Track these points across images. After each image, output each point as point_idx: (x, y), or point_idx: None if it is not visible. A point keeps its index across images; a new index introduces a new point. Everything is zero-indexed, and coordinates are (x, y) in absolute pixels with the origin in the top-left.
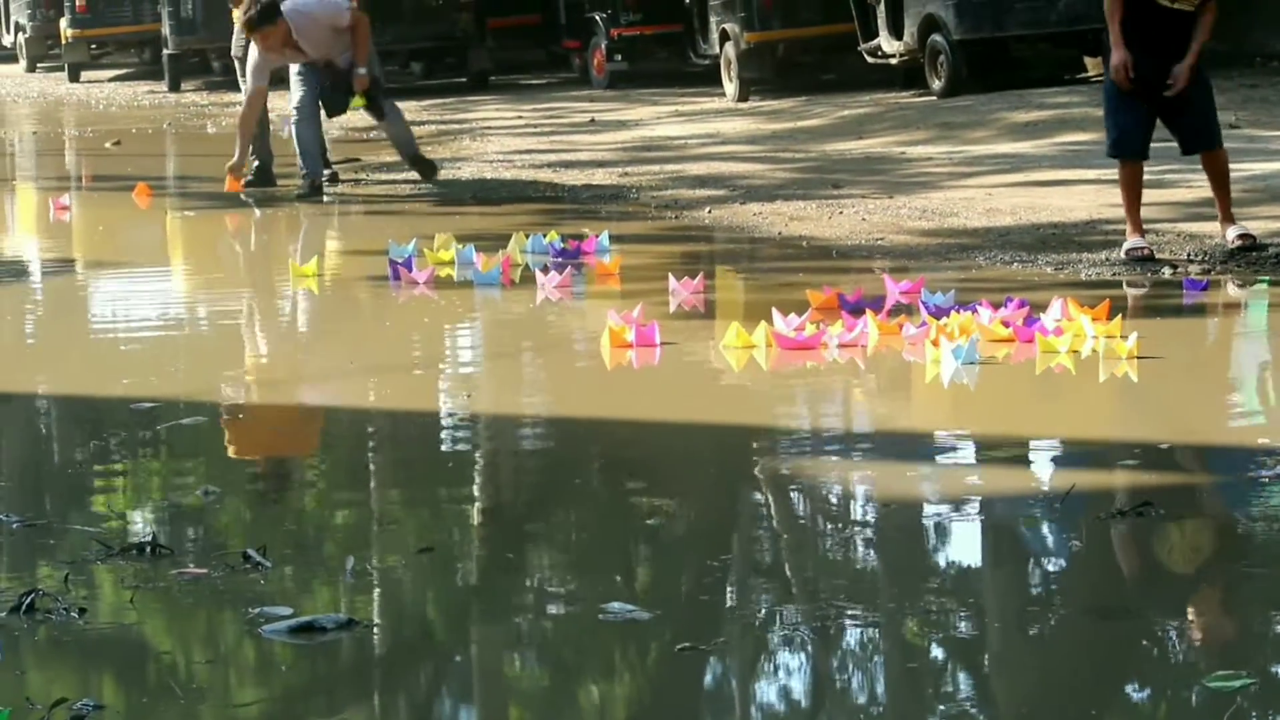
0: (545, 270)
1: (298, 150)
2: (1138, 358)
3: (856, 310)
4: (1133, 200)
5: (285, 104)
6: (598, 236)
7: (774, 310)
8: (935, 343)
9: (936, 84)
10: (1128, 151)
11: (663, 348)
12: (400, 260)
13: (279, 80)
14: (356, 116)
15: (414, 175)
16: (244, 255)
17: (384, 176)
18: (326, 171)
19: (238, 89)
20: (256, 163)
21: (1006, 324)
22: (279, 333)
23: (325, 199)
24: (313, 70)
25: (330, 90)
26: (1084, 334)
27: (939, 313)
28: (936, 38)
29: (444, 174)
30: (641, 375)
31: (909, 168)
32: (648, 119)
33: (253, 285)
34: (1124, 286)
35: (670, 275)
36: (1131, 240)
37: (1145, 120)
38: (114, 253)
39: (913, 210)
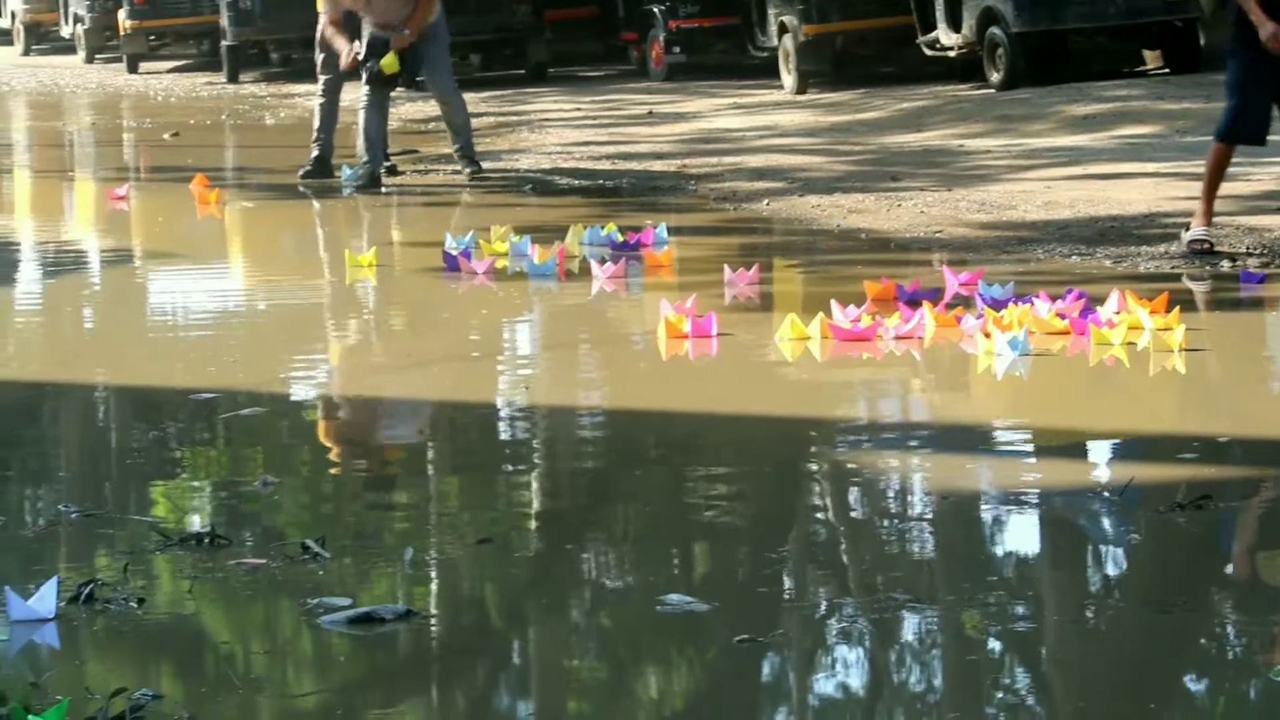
0: (602, 262)
1: (361, 136)
2: (1189, 350)
3: (913, 302)
4: (1214, 186)
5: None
6: (656, 228)
7: (833, 302)
8: (987, 334)
9: (995, 77)
10: (1246, 136)
11: (719, 339)
12: (456, 252)
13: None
14: (415, 108)
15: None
16: (302, 247)
17: (442, 168)
18: (385, 164)
19: (296, 80)
20: (315, 154)
21: (1062, 316)
22: (337, 324)
23: (383, 190)
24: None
25: (369, 48)
26: (1140, 326)
27: (996, 305)
28: (995, 30)
29: (502, 165)
30: (698, 366)
31: (967, 160)
32: (706, 111)
33: (310, 276)
34: (1182, 280)
35: (726, 266)
36: (1196, 230)
37: (1268, 105)
38: (173, 244)
39: (971, 203)
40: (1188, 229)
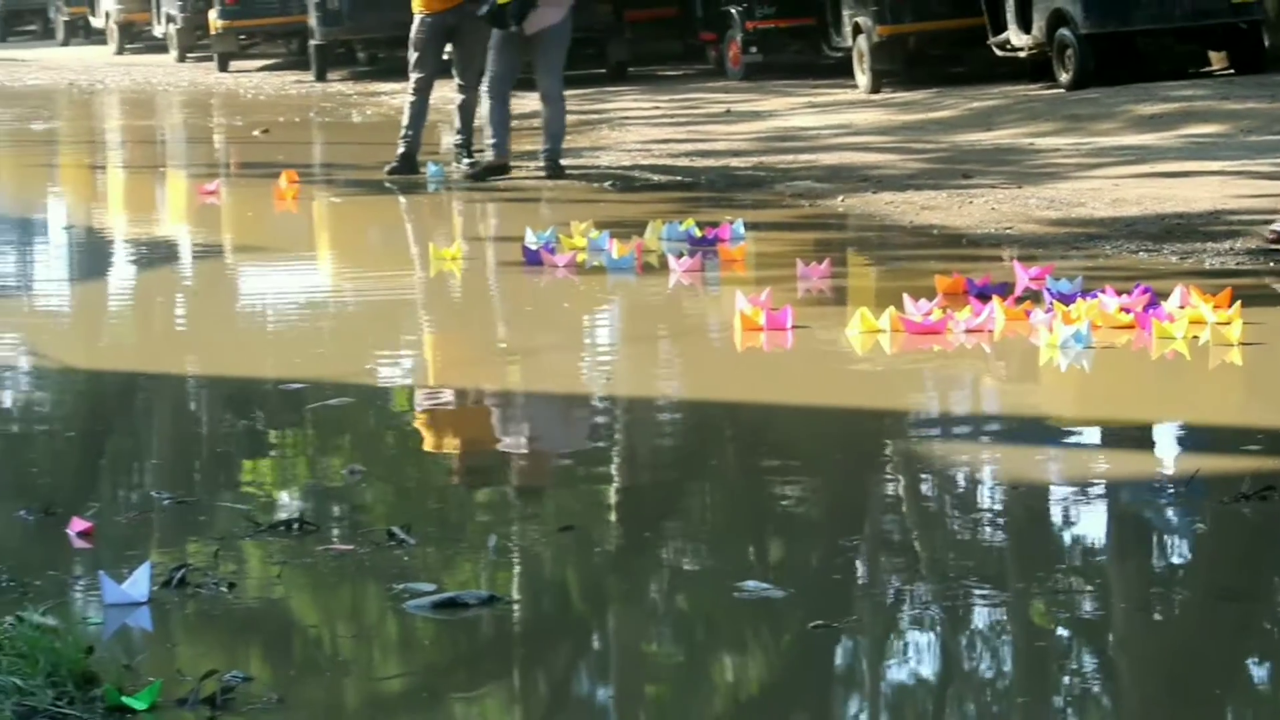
0: (679, 256)
1: (489, 127)
2: (1247, 344)
3: (984, 296)
4: None
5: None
6: (732, 224)
7: (905, 295)
8: (1049, 327)
9: (1064, 77)
10: None
11: (793, 332)
12: (537, 247)
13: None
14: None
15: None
16: (387, 241)
17: (526, 164)
18: (467, 160)
19: (382, 79)
20: (402, 150)
21: (1127, 311)
22: (421, 316)
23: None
24: (508, 43)
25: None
26: (1202, 321)
27: (1064, 299)
28: (1064, 32)
29: (583, 161)
30: (773, 358)
31: (1037, 159)
32: (782, 110)
33: (395, 270)
34: (1247, 275)
35: (799, 260)
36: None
37: None
38: (262, 238)
39: (1041, 200)
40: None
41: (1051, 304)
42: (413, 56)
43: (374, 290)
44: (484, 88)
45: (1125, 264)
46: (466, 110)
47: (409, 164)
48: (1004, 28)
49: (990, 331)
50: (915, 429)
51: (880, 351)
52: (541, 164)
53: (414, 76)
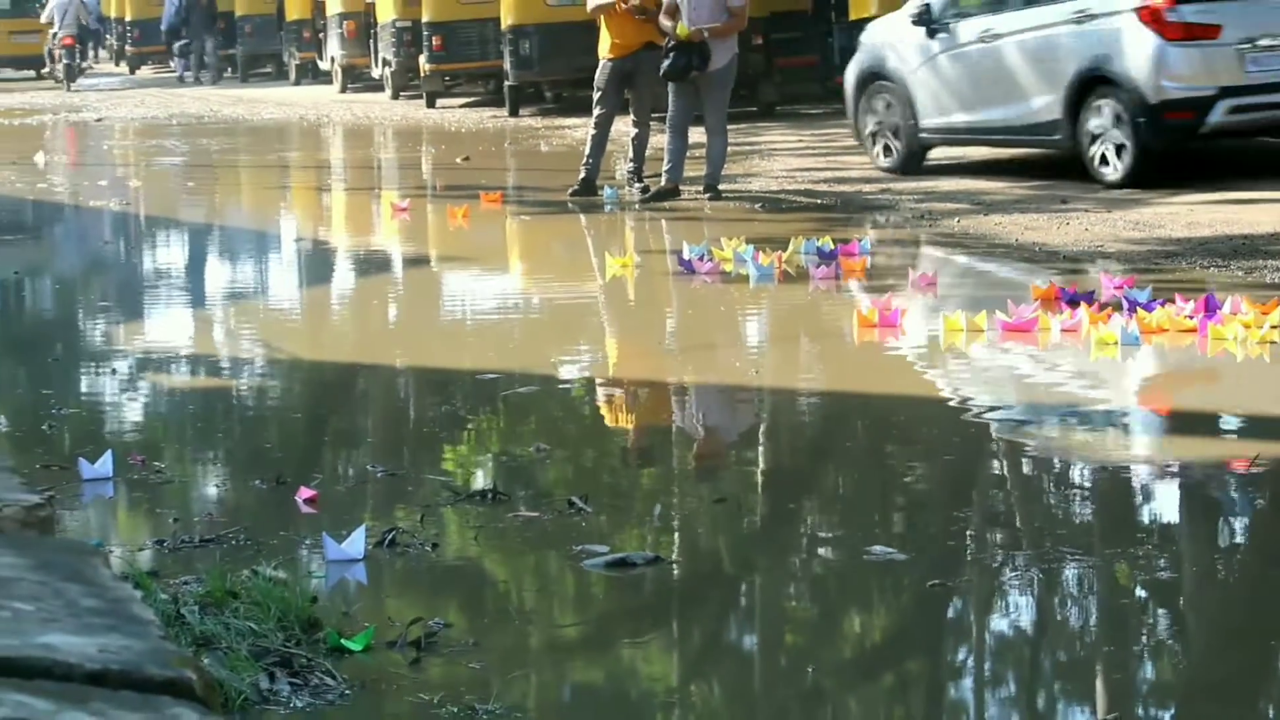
0: (817, 266)
1: (668, 156)
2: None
3: (1073, 302)
4: None
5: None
6: (860, 241)
7: (1008, 300)
8: (1105, 320)
9: None
10: None
11: (903, 331)
12: (692, 258)
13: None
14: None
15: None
16: (568, 252)
17: (689, 188)
18: (638, 185)
19: (566, 114)
20: (583, 175)
21: (1191, 316)
22: (597, 316)
23: (666, 204)
24: (685, 86)
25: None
26: (1250, 324)
27: (1138, 306)
28: None
29: (736, 186)
30: (889, 353)
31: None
32: None
33: (575, 277)
34: None
35: (910, 270)
36: None
37: None
38: (459, 249)
39: (1127, 222)
40: None
41: (1128, 309)
42: (596, 95)
43: (557, 294)
44: (668, 124)
45: (1197, 277)
46: (639, 143)
47: (588, 187)
48: None
49: (1078, 331)
50: (1013, 415)
51: (982, 347)
52: (702, 188)
53: (596, 112)
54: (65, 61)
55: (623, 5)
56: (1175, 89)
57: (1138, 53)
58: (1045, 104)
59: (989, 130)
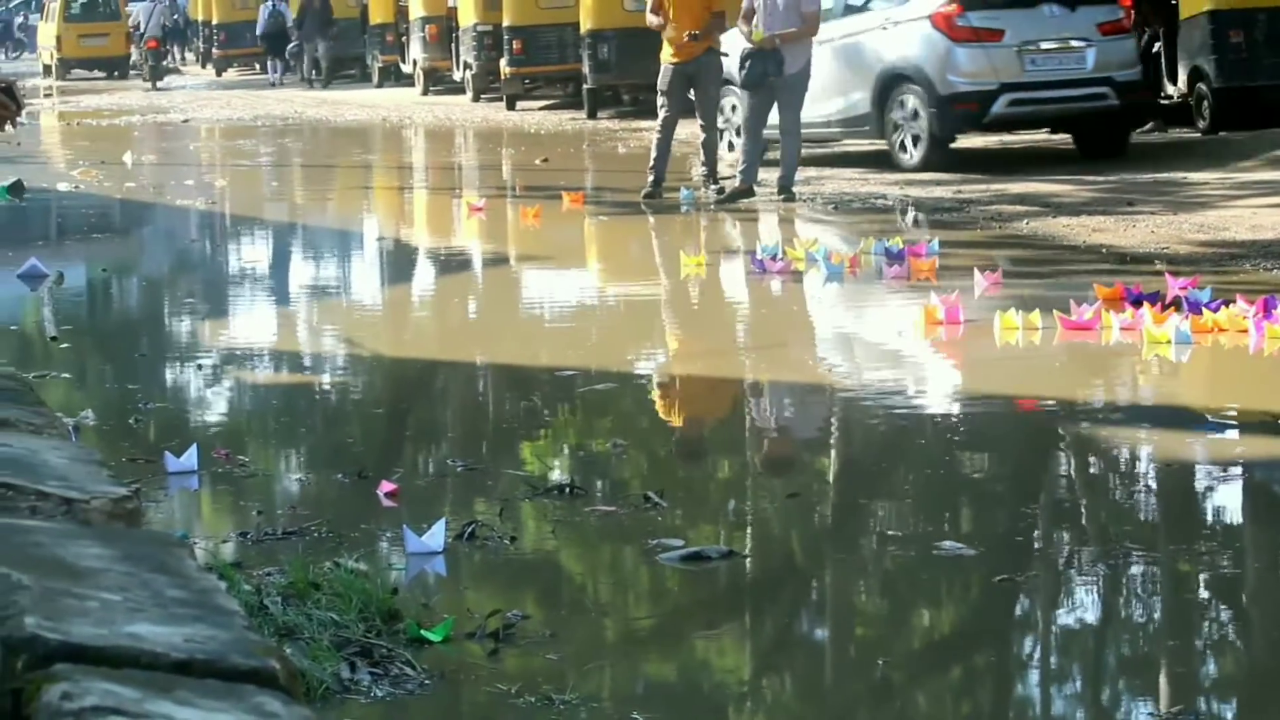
0: (889, 265)
1: (742, 157)
2: None
3: (1137, 302)
4: None
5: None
6: (929, 241)
7: (1070, 300)
8: (1160, 320)
9: (1201, 123)
10: None
11: (966, 327)
12: (764, 257)
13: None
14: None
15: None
16: (643, 251)
17: (766, 190)
18: (713, 186)
19: (643, 117)
20: (652, 178)
21: (1250, 316)
22: (671, 314)
23: (740, 204)
24: (760, 94)
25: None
26: None
27: (1200, 306)
28: (1201, 85)
29: (810, 189)
30: (955, 350)
31: (1189, 190)
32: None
33: (650, 275)
34: None
35: (974, 269)
36: None
37: None
38: (538, 249)
39: (1192, 225)
40: None
41: (1187, 309)
42: (660, 99)
43: (632, 291)
44: (741, 123)
45: (1261, 279)
46: (709, 146)
47: (659, 189)
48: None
49: (1140, 330)
50: (1078, 412)
51: (1045, 345)
52: (776, 189)
53: (661, 115)
54: (150, 63)
55: (676, 34)
56: (962, 84)
57: (931, 53)
58: (859, 100)
59: (822, 124)
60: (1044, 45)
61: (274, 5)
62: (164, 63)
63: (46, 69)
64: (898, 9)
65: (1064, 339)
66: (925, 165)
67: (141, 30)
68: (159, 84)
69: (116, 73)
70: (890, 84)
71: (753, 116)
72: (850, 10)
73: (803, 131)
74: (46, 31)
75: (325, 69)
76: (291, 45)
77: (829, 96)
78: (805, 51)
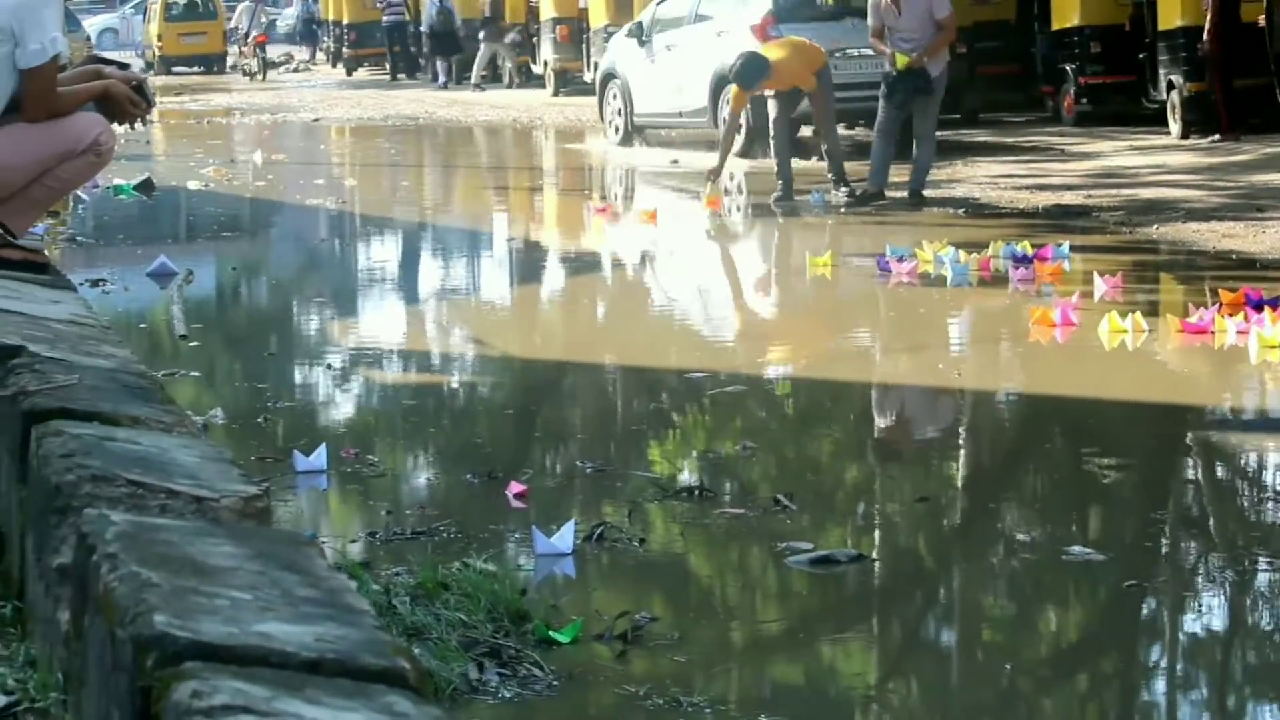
0: (1016, 268)
1: (874, 161)
2: None
3: (1259, 306)
4: None
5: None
6: (1057, 245)
7: (1189, 304)
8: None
9: None
10: None
11: (1086, 330)
12: (893, 259)
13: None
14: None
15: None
16: (772, 254)
17: (894, 194)
18: (844, 189)
19: None
20: (780, 183)
21: None
22: (799, 316)
23: (869, 208)
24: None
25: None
26: None
27: None
28: None
29: (940, 192)
30: (1081, 353)
31: None
32: (1107, 151)
33: (780, 277)
34: None
35: (1094, 273)
36: None
37: None
38: (666, 251)
39: None
40: None
41: None
42: (772, 110)
43: (761, 293)
44: (874, 129)
45: None
46: (832, 153)
47: (788, 194)
48: None
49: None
50: (1199, 416)
51: (1165, 348)
52: (907, 193)
53: (772, 131)
54: (260, 57)
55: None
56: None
57: None
58: (698, 96)
59: (674, 115)
60: (850, 52)
61: (441, 3)
62: (267, 55)
63: (149, 65)
64: (727, 19)
65: (1178, 342)
66: (745, 153)
67: (245, 30)
68: (265, 77)
69: (216, 68)
70: (721, 83)
71: (887, 120)
72: (700, 19)
73: (652, 120)
74: (149, 31)
75: (511, 71)
76: (481, 45)
77: (679, 93)
78: (944, 57)
